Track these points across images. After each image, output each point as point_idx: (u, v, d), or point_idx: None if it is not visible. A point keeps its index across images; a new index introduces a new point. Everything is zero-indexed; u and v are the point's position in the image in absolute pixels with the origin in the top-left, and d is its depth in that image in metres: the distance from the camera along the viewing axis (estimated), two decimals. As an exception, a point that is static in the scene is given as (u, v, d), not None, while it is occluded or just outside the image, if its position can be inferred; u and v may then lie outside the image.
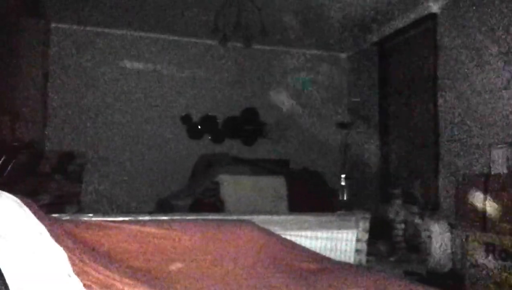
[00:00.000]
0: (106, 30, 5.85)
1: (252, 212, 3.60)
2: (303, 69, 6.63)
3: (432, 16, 4.88)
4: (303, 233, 2.10)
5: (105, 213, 1.93)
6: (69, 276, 1.04)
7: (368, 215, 2.29)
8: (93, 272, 1.20)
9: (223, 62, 6.29)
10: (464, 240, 3.52)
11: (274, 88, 6.50)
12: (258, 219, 2.01)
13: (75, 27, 5.71)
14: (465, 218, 3.58)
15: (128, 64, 5.97)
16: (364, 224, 2.26)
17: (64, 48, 5.68)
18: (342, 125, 6.33)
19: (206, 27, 4.76)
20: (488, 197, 3.32)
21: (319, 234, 2.14)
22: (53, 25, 5.45)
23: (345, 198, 4.90)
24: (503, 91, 3.98)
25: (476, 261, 3.32)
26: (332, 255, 2.12)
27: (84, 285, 1.10)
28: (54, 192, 3.66)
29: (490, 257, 3.22)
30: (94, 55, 5.83)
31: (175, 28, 5.86)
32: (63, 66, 5.65)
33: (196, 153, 5.85)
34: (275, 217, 2.15)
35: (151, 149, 5.95)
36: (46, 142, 5.19)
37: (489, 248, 3.22)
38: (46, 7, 5.04)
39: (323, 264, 1.74)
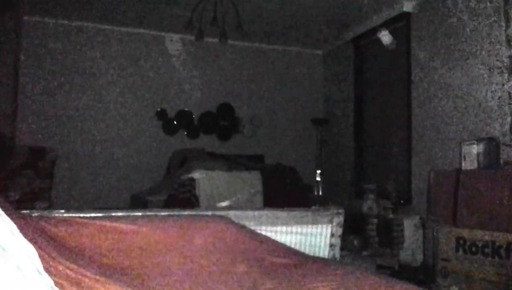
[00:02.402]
0: (79, 23, 5.74)
1: (227, 208, 3.60)
2: (278, 65, 6.65)
3: (406, 15, 4.96)
4: (278, 228, 2.11)
5: (77, 209, 1.90)
6: (39, 273, 1.02)
7: (342, 210, 2.31)
8: (64, 269, 1.17)
9: (199, 58, 6.26)
10: (435, 234, 3.59)
11: (250, 84, 6.50)
12: (233, 214, 2.01)
13: (47, 20, 5.59)
14: (437, 213, 3.66)
15: (101, 58, 5.87)
16: (338, 219, 2.28)
17: (36, 42, 5.55)
18: (317, 121, 6.38)
19: (182, 22, 4.72)
20: (459, 192, 3.39)
21: (293, 229, 2.15)
22: (25, 18, 5.32)
23: (319, 193, 4.94)
24: (473, 88, 4.07)
25: (447, 254, 3.40)
26: (306, 250, 2.13)
27: (55, 282, 1.08)
28: (24, 188, 3.58)
29: (460, 251, 3.29)
30: (67, 49, 5.72)
31: (150, 23, 5.79)
32: (34, 60, 5.53)
33: (171, 148, 5.82)
34: (250, 212, 2.15)
35: (125, 144, 5.88)
36: (16, 137, 5.07)
37: (460, 242, 3.30)
38: (17, 0, 4.92)
39: (297, 259, 1.75)
